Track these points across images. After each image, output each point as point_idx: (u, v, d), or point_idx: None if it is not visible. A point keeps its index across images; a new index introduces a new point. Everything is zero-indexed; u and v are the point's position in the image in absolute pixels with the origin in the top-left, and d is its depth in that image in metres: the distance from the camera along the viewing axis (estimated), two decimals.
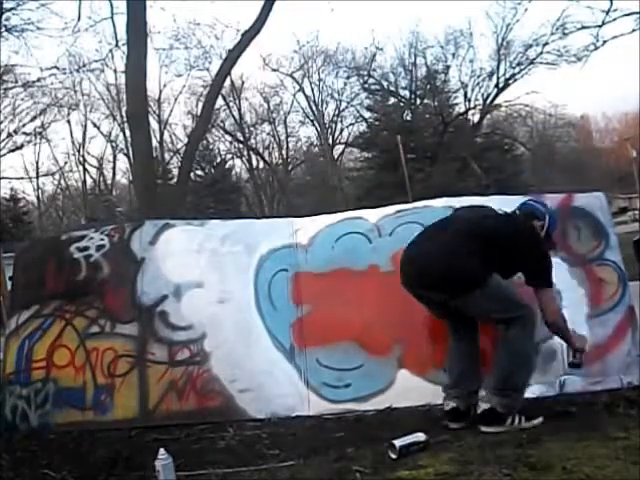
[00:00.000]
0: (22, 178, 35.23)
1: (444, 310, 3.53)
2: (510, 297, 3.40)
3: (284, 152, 40.64)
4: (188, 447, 3.50)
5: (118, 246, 4.37)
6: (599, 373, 3.82)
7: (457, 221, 3.66)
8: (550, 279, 3.39)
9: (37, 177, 37.27)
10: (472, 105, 33.97)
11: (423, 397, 3.81)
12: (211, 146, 36.88)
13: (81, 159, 38.24)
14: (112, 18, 13.94)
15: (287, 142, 40.51)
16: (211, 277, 4.18)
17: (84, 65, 22.13)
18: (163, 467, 2.86)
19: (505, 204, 4.33)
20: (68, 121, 36.11)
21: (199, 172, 35.61)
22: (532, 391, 3.76)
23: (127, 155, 32.26)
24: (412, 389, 3.86)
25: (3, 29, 14.65)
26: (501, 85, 32.93)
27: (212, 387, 3.99)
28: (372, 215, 4.27)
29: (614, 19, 17.52)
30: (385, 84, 34.98)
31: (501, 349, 3.38)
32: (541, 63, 30.65)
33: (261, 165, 40.30)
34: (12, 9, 15.30)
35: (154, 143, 29.66)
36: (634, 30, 17.10)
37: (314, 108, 38.15)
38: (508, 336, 3.33)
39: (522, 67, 31.99)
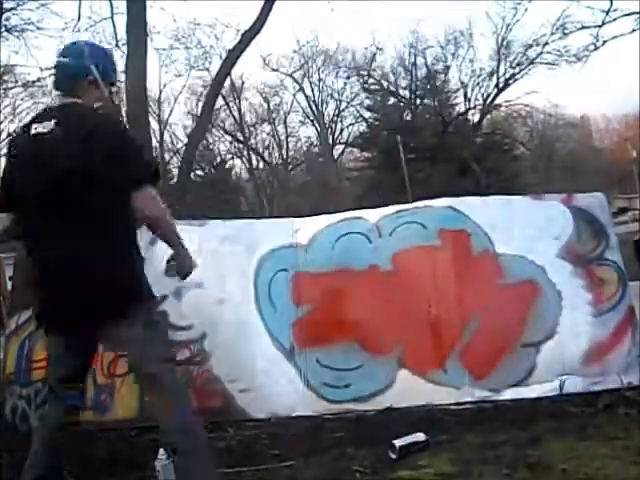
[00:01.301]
0: None
1: None
2: None
3: (284, 152, 40.61)
4: None
5: None
6: (599, 373, 3.82)
7: None
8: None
9: None
10: (472, 105, 33.93)
11: (423, 397, 3.81)
12: (211, 146, 36.84)
13: None
14: (112, 18, 13.91)
15: (287, 142, 40.49)
16: (211, 277, 4.18)
17: None
18: (163, 467, 2.85)
19: (505, 204, 4.36)
20: None
21: (199, 172, 35.59)
22: (532, 391, 3.77)
23: None
24: (412, 389, 3.86)
25: (3, 29, 14.64)
26: (501, 85, 32.89)
27: (212, 387, 3.99)
28: (372, 215, 4.27)
29: (614, 19, 17.52)
30: (385, 84, 34.95)
31: None
32: (541, 63, 30.61)
33: (261, 165, 40.30)
34: (12, 9, 15.28)
35: (154, 143, 29.68)
36: (634, 30, 17.08)
37: (314, 108, 38.14)
38: None
39: (522, 67, 31.94)
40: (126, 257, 2.43)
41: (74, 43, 2.59)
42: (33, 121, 2.45)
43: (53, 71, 2.57)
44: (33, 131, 2.39)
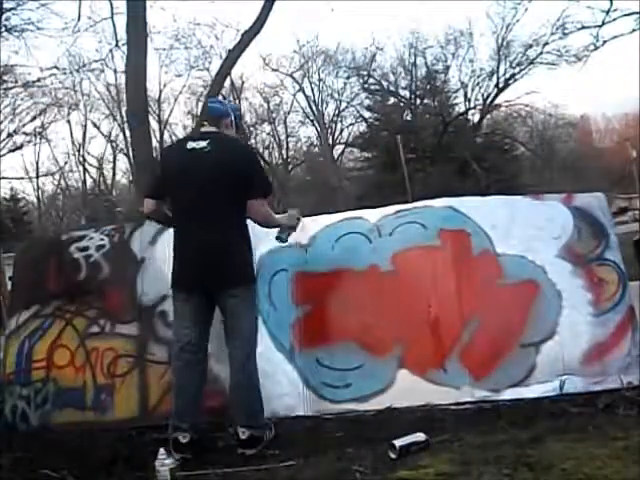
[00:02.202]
0: (22, 178, 35.17)
1: None
2: None
3: (284, 152, 40.63)
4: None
5: (118, 246, 4.37)
6: (599, 373, 3.82)
7: None
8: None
9: (37, 177, 37.21)
10: (472, 105, 33.96)
11: (423, 397, 3.81)
12: None
13: (81, 159, 38.15)
14: (112, 18, 13.94)
15: (287, 142, 40.51)
16: None
17: (84, 65, 22.03)
18: (163, 467, 2.86)
19: (505, 204, 4.35)
20: (68, 121, 36.02)
21: None
22: (532, 391, 3.77)
23: (127, 155, 32.22)
24: (412, 389, 3.86)
25: (3, 29, 14.64)
26: (501, 85, 32.92)
27: (212, 387, 3.98)
28: (372, 215, 4.27)
29: (614, 19, 17.54)
30: (385, 84, 34.95)
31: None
32: (541, 63, 30.67)
33: None
34: (12, 9, 15.28)
35: (154, 143, 29.63)
36: (634, 30, 17.11)
37: (314, 108, 38.11)
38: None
39: (522, 67, 31.98)
40: (245, 244, 3.45)
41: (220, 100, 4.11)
42: (187, 140, 3.68)
43: (205, 109, 3.91)
44: (189, 146, 3.44)
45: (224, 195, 3.34)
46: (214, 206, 3.33)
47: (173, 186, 3.44)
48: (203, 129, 3.60)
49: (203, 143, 3.40)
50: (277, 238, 3.73)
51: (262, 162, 3.89)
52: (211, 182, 3.33)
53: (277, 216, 3.64)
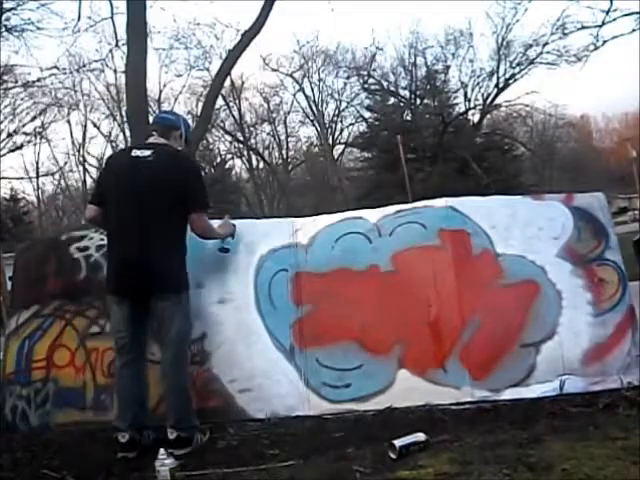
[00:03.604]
0: (22, 178, 35.24)
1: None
2: None
3: (284, 152, 40.71)
4: None
5: None
6: (599, 373, 3.82)
7: None
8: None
9: (37, 177, 37.29)
10: (472, 105, 34.02)
11: (423, 397, 3.81)
12: (211, 146, 36.88)
13: (81, 159, 38.24)
14: (112, 18, 13.97)
15: (287, 142, 40.60)
16: (211, 277, 4.18)
17: (84, 65, 22.12)
18: (163, 467, 2.86)
19: (505, 204, 4.36)
20: (68, 121, 36.14)
21: None
22: (532, 391, 3.77)
23: None
24: (412, 389, 3.86)
25: (3, 29, 14.66)
26: (501, 85, 32.98)
27: (212, 387, 3.99)
28: (372, 215, 4.26)
29: (614, 19, 17.60)
30: (385, 84, 35.02)
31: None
32: (541, 63, 30.76)
33: (261, 165, 40.34)
34: (12, 9, 15.32)
35: None
36: (634, 30, 17.17)
37: (314, 108, 38.19)
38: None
39: (522, 67, 32.06)
40: (178, 254, 3.48)
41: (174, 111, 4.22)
42: (132, 148, 3.76)
43: (157, 119, 3.97)
44: (133, 154, 3.52)
45: (160, 205, 3.39)
46: (149, 215, 3.39)
47: (112, 192, 3.50)
48: (150, 140, 3.66)
49: (147, 152, 3.47)
50: (220, 250, 3.83)
51: (202, 177, 4.12)
52: (149, 191, 3.39)
53: (215, 227, 3.72)
